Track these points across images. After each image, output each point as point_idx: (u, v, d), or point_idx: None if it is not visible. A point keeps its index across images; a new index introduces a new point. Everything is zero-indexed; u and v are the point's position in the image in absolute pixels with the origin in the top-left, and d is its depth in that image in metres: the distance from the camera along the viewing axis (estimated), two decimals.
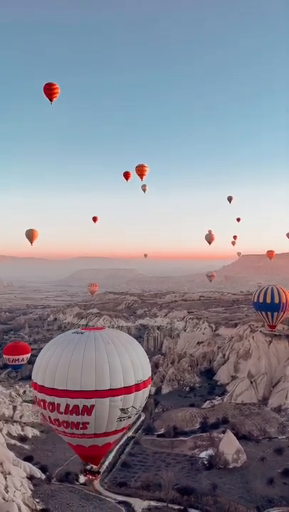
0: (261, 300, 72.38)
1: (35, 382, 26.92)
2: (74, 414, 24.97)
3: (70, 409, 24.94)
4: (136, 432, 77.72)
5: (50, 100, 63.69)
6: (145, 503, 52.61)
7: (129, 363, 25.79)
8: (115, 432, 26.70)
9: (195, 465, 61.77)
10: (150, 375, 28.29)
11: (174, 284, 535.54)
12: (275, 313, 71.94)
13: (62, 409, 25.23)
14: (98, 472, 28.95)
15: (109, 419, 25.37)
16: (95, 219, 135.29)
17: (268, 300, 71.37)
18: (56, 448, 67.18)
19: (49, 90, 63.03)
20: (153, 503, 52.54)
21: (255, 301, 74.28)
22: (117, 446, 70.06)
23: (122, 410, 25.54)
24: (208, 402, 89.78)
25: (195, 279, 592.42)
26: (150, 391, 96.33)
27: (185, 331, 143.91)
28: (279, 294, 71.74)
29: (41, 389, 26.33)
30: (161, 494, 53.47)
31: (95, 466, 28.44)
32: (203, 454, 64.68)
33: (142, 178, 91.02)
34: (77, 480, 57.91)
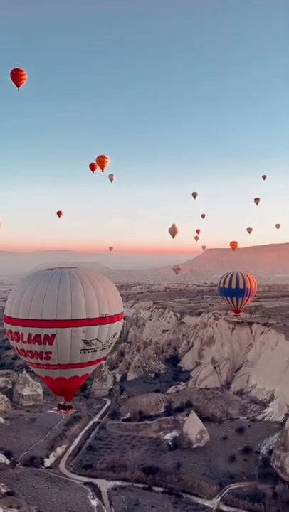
0: (227, 285, 74.11)
1: (5, 314, 27.71)
2: (36, 344, 25.58)
3: (32, 338, 25.61)
4: (101, 417, 78.12)
5: (18, 86, 62.72)
6: (111, 484, 53.37)
7: (93, 296, 26.17)
8: (81, 365, 27.16)
9: (160, 446, 62.95)
10: (120, 312, 28.71)
11: (139, 277, 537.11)
12: (240, 299, 73.92)
13: (25, 338, 25.88)
14: (70, 407, 30.63)
15: (72, 350, 25.82)
16: (59, 214, 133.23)
17: (233, 285, 73.17)
18: (21, 434, 66.68)
19: (16, 76, 62.02)
20: (118, 483, 53.38)
21: (221, 286, 75.99)
22: (83, 431, 70.46)
23: (85, 342, 26.00)
24: (172, 387, 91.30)
25: (160, 273, 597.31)
26: (116, 378, 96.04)
27: (151, 320, 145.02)
28: (244, 279, 73.75)
29: (8, 320, 27.18)
30: (127, 474, 54.35)
31: (67, 402, 29.96)
32: (168, 436, 65.96)
33: (102, 169, 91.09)
34: (43, 464, 57.84)
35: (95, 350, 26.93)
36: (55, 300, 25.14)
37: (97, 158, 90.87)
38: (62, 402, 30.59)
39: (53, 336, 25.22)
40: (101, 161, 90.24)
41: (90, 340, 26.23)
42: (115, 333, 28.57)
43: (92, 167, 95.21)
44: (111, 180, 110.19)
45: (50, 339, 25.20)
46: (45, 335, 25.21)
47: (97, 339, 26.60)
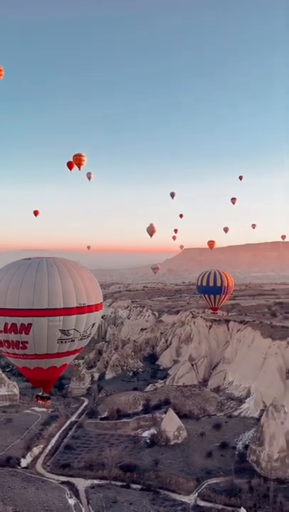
0: (204, 283, 74.77)
1: None
2: (12, 333, 25.28)
3: (9, 327, 25.24)
4: (79, 416, 77.68)
5: None
6: (88, 482, 53.13)
7: (71, 285, 25.91)
8: (58, 355, 26.83)
9: (138, 444, 63.12)
10: (99, 302, 28.40)
11: (117, 277, 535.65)
12: (218, 296, 74.74)
13: (1, 327, 25.54)
14: (48, 397, 30.41)
15: (49, 339, 25.60)
16: (36, 213, 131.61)
17: (211, 283, 73.85)
18: None
19: None
20: (96, 482, 53.18)
21: (199, 284, 76.54)
22: (60, 431, 69.86)
23: (62, 331, 25.78)
24: (150, 385, 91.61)
25: (138, 272, 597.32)
26: (93, 377, 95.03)
27: (129, 318, 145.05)
28: (221, 277, 74.57)
29: None
30: (105, 472, 54.21)
31: (45, 393, 29.76)
32: (146, 433, 66.21)
33: (79, 167, 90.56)
34: (19, 464, 57.08)
35: (72, 340, 26.70)
36: (31, 289, 24.90)
37: (74, 156, 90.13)
38: (40, 393, 30.42)
39: (30, 325, 24.97)
40: (78, 159, 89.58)
41: (68, 330, 26.02)
42: (94, 324, 28.36)
43: (70, 165, 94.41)
44: (89, 178, 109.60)
45: (26, 328, 24.95)
46: (21, 324, 24.96)
47: (75, 329, 26.40)
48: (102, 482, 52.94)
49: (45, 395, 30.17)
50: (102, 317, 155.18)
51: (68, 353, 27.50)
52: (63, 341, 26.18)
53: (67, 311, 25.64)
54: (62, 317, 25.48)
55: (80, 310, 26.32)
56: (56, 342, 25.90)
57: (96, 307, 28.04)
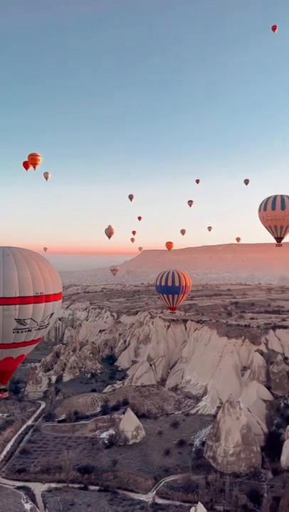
0: (163, 283, 75.26)
1: None
2: None
3: None
4: (36, 420, 75.97)
5: None
6: (45, 486, 52.22)
7: (28, 274, 25.30)
8: (14, 345, 26.02)
9: (96, 445, 62.73)
10: (57, 292, 27.75)
11: (75, 279, 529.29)
12: (176, 296, 75.51)
13: None
14: (5, 390, 29.49)
15: (4, 329, 24.82)
16: None
17: (170, 283, 74.44)
18: None
19: None
20: (53, 485, 52.36)
21: (158, 284, 77.06)
22: (16, 436, 68.04)
23: (18, 321, 25.10)
24: (109, 386, 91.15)
25: (97, 274, 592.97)
26: (51, 380, 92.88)
27: (87, 320, 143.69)
28: (179, 277, 75.42)
29: None
30: (62, 475, 53.49)
31: (2, 385, 28.82)
32: (104, 434, 65.92)
33: (34, 167, 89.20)
34: None
35: (29, 330, 26.02)
36: None
37: (29, 156, 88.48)
38: None
39: None
40: (33, 159, 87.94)
41: (24, 320, 25.32)
42: (52, 313, 27.72)
43: (26, 165, 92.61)
44: (46, 178, 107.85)
45: None
46: None
47: (32, 319, 25.73)
48: (60, 485, 52.24)
49: (2, 387, 29.35)
50: (60, 319, 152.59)
51: (25, 344, 26.73)
52: (19, 331, 25.48)
53: (23, 300, 24.95)
54: (17, 306, 24.79)
55: (37, 299, 25.70)
56: (12, 332, 25.16)
57: (54, 297, 27.43)
